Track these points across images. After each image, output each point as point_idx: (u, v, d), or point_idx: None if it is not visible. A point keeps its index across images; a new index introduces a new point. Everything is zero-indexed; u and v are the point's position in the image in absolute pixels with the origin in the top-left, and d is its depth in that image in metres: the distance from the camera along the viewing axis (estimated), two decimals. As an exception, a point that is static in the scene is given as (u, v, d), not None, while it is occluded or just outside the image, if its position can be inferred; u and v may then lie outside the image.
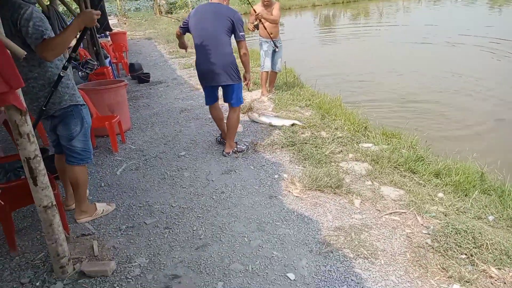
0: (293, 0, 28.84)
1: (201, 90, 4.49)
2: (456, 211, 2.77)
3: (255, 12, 5.26)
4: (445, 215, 2.69)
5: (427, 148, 3.99)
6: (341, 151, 3.79)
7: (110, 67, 7.13)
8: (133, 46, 12.81)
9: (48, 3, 5.71)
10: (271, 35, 5.51)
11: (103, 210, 2.82)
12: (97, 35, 10.65)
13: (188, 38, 3.95)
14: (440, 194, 3.01)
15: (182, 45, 3.98)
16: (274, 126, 4.48)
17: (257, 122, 4.60)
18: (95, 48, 6.64)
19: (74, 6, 10.27)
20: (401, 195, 2.98)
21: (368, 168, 3.43)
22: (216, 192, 3.10)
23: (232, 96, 3.67)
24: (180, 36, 3.86)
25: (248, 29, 5.53)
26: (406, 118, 5.52)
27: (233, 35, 3.51)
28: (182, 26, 3.71)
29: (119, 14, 28.33)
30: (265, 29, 5.41)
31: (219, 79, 3.52)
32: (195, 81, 6.82)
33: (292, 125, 4.48)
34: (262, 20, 5.37)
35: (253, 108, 5.22)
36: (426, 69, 8.39)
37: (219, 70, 3.48)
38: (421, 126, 5.28)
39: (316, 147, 3.84)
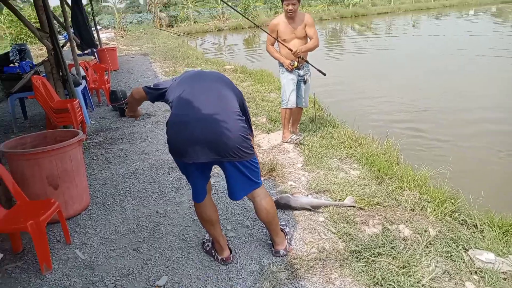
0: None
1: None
2: None
3: (290, 50, 3.77)
4: None
5: None
6: (448, 275, 2.11)
7: (83, 97, 5.51)
8: (125, 64, 11.26)
9: None
10: (300, 60, 3.90)
11: None
12: (79, 53, 9.18)
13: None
14: None
15: (133, 112, 2.46)
16: (315, 210, 2.80)
17: (287, 207, 2.89)
18: (60, 74, 5.02)
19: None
20: None
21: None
22: None
23: (252, 175, 2.04)
24: (138, 100, 2.29)
25: (288, 68, 3.95)
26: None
27: None
28: (151, 88, 2.18)
29: (117, 27, 27.04)
30: (291, 50, 3.80)
31: (226, 149, 1.89)
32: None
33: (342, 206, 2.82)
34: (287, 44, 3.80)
35: (275, 166, 3.56)
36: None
37: (226, 131, 1.87)
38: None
39: (397, 262, 2.16)
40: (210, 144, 1.86)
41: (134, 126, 5.20)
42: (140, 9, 58.82)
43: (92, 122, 5.46)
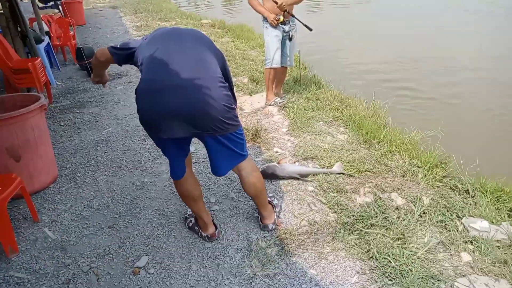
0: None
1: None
2: None
3: (276, 2, 3.43)
4: None
5: None
6: (443, 245, 2.04)
7: (46, 55, 5.02)
8: (93, 18, 10.44)
9: None
10: (285, 14, 3.59)
11: None
12: (42, 5, 8.37)
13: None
14: None
15: (99, 77, 2.17)
16: (303, 179, 2.65)
17: (274, 177, 2.72)
18: (19, 29, 4.50)
19: None
20: None
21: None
22: None
23: (237, 148, 1.84)
24: (104, 62, 1.97)
25: (272, 23, 3.60)
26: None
27: None
28: (117, 48, 1.86)
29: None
30: (276, 3, 3.47)
31: (208, 122, 1.65)
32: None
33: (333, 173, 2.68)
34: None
35: (259, 132, 3.35)
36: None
37: (208, 101, 1.61)
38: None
39: (392, 233, 2.06)
40: (189, 117, 1.61)
41: (105, 87, 4.80)
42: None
43: (58, 83, 5.02)
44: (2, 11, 4.35)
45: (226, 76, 1.80)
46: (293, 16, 3.65)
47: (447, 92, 5.06)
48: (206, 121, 1.63)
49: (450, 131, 3.55)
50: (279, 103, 3.95)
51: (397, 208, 2.28)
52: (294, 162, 2.87)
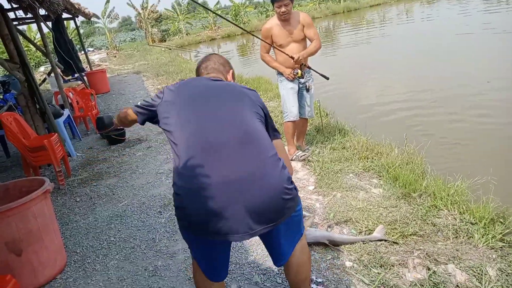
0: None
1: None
2: None
3: (292, 58, 3.30)
4: None
5: None
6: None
7: (69, 127, 5.04)
8: (117, 85, 10.83)
9: None
10: (302, 66, 3.41)
11: None
12: (65, 79, 8.75)
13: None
14: None
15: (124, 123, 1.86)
16: (334, 248, 2.29)
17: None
18: (37, 106, 4.55)
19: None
20: None
21: None
22: None
23: (297, 228, 1.54)
24: (127, 121, 1.78)
25: (289, 78, 3.46)
26: None
27: None
28: (142, 107, 1.64)
29: (110, 47, 26.75)
30: (293, 58, 3.31)
31: (269, 215, 1.36)
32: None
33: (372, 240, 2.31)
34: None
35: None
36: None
37: (267, 197, 1.33)
38: None
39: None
40: (248, 214, 1.32)
41: (124, 155, 4.72)
42: (133, 27, 58.69)
43: (78, 154, 4.98)
44: (21, 92, 4.43)
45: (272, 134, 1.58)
46: (309, 67, 3.47)
47: (489, 127, 4.48)
48: (267, 214, 1.35)
49: (501, 178, 3.09)
50: (301, 156, 3.66)
51: (457, 285, 1.85)
52: (327, 229, 2.51)
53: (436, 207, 2.64)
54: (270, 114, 1.65)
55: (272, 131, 1.60)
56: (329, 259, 2.20)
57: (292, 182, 1.42)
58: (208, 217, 1.31)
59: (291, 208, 1.41)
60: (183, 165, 1.36)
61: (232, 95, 1.54)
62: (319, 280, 1.94)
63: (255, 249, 2.40)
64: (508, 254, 2.07)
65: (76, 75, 9.18)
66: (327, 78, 3.48)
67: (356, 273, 2.03)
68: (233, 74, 1.83)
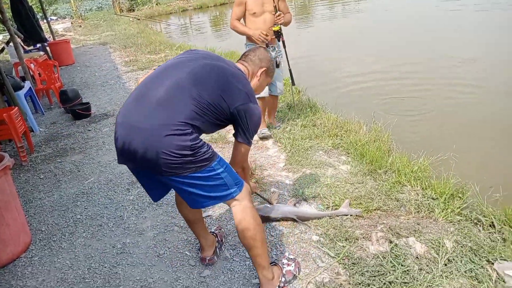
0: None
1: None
2: None
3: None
4: None
5: None
6: (478, 303, 1.71)
7: (30, 101, 4.79)
8: (82, 56, 10.33)
9: None
10: (268, 38, 3.36)
11: None
12: (26, 49, 8.25)
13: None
14: None
15: None
16: (302, 222, 2.35)
17: (268, 220, 2.41)
18: (-6, 78, 4.28)
19: None
20: None
21: None
22: None
23: (205, 191, 1.61)
24: None
25: (257, 41, 3.36)
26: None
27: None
28: None
29: (75, 16, 25.30)
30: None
31: (147, 163, 1.54)
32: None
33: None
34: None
35: (254, 169, 3.07)
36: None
37: (142, 150, 1.50)
38: None
39: (415, 291, 1.74)
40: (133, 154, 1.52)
41: (90, 130, 4.56)
42: (98, -6, 55.56)
43: (41, 129, 4.77)
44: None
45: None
46: (283, 41, 3.44)
47: (454, 108, 4.58)
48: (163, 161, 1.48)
49: (463, 154, 3.24)
50: (261, 133, 3.64)
51: (417, 257, 1.96)
52: (294, 205, 2.55)
53: (400, 183, 2.74)
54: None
55: (242, 127, 1.65)
56: (296, 234, 2.25)
57: (185, 149, 1.47)
58: (117, 149, 1.57)
59: (180, 168, 1.49)
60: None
61: (208, 78, 1.59)
62: (291, 256, 1.98)
63: (224, 225, 2.42)
64: (464, 227, 2.19)
65: (38, 45, 8.68)
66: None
67: (322, 247, 2.10)
68: (265, 72, 1.88)
